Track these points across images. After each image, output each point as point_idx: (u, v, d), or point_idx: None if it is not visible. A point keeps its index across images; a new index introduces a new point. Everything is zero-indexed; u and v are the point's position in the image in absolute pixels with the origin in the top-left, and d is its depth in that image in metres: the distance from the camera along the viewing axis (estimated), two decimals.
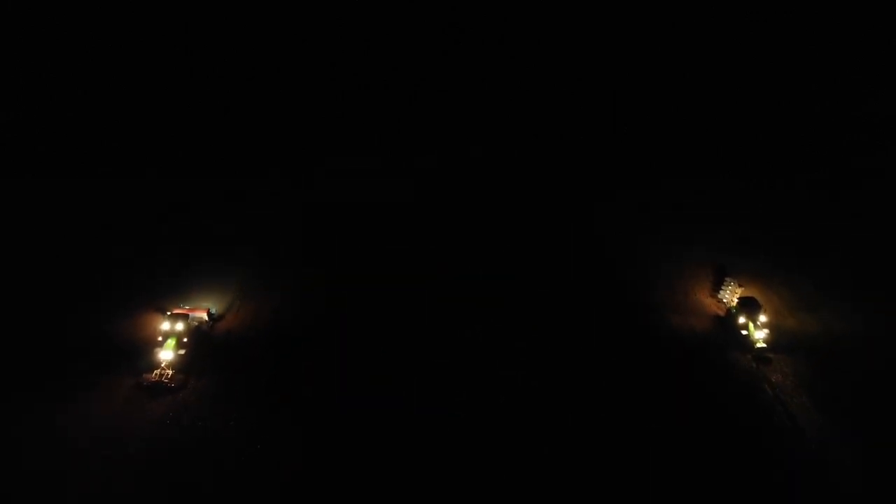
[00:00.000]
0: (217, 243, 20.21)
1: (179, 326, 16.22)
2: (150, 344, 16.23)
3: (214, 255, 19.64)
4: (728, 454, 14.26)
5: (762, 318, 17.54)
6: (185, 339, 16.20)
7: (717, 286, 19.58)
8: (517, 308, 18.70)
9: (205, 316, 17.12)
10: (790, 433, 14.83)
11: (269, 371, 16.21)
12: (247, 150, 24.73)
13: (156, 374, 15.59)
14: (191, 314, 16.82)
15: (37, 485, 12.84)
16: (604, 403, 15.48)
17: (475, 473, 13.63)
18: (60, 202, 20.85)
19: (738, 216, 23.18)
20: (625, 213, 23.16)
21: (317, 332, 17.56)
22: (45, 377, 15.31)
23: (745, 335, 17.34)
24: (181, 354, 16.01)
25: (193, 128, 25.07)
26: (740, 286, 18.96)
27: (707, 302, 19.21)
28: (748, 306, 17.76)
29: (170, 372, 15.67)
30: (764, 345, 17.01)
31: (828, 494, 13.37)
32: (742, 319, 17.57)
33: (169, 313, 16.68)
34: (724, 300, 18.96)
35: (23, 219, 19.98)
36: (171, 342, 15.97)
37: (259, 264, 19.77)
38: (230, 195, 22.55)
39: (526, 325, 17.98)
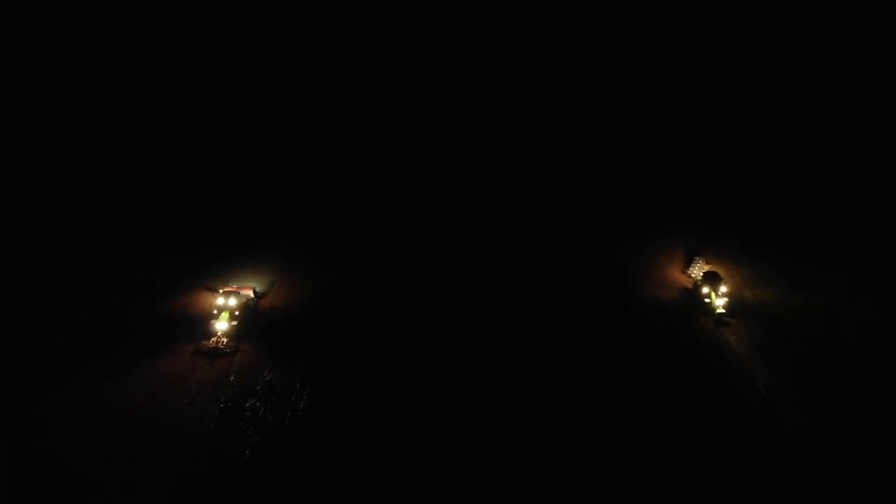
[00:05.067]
0: (258, 233, 23.26)
1: (232, 301, 19.20)
2: (206, 317, 19.23)
3: (256, 243, 22.71)
4: (689, 400, 17.47)
5: (723, 289, 20.67)
6: (237, 313, 19.16)
7: (687, 264, 22.71)
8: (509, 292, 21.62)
9: (251, 293, 20.12)
10: (742, 381, 18.09)
11: (304, 342, 19.22)
12: (275, 152, 27.57)
13: (213, 341, 18.63)
14: (240, 291, 19.79)
15: (113, 433, 15.63)
16: (586, 361, 18.64)
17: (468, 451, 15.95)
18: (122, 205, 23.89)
19: (713, 201, 26.02)
20: (607, 204, 26.14)
21: (343, 312, 20.50)
22: (121, 345, 18.25)
23: (708, 303, 20.53)
24: (234, 325, 19.00)
25: (231, 127, 27.85)
26: (707, 263, 22.14)
27: (678, 277, 22.36)
28: (711, 278, 20.92)
29: (225, 340, 18.70)
30: (723, 311, 20.24)
31: (769, 426, 16.67)
32: (705, 290, 20.73)
33: (222, 291, 19.65)
34: (693, 275, 22.11)
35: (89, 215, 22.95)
36: (224, 315, 18.97)
37: (293, 251, 22.76)
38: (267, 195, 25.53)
39: (518, 300, 21.07)
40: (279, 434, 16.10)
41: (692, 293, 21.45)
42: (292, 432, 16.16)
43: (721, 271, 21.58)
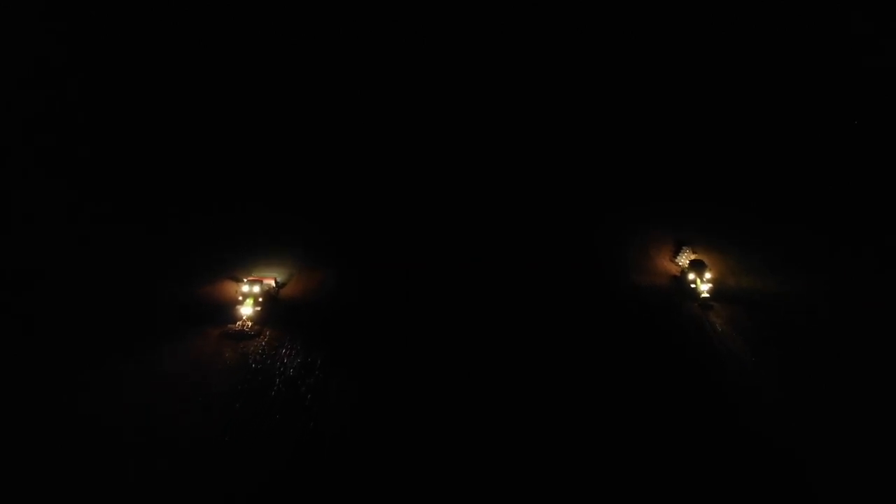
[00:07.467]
0: (276, 230, 24.86)
1: (256, 289, 20.95)
2: (231, 303, 20.96)
3: (274, 239, 24.35)
4: (675, 373, 19.19)
5: (707, 276, 22.36)
6: (261, 299, 20.94)
7: (675, 254, 24.38)
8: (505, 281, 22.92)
9: (273, 283, 21.88)
10: (723, 357, 19.82)
11: (323, 326, 20.91)
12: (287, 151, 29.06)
13: (238, 324, 20.40)
14: (262, 281, 21.53)
15: (149, 402, 17.52)
16: (581, 343, 20.24)
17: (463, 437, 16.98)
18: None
19: (701, 195, 27.42)
20: (599, 196, 27.67)
21: (357, 303, 21.95)
22: (153, 329, 19.99)
23: (694, 288, 22.23)
24: (257, 311, 20.77)
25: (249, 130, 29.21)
26: (694, 252, 23.80)
27: (666, 265, 24.03)
28: (697, 266, 22.64)
29: (250, 323, 20.48)
30: (707, 295, 21.96)
31: (748, 395, 18.46)
32: (691, 276, 22.44)
33: (246, 279, 21.42)
34: (680, 263, 23.77)
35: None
36: (249, 301, 20.76)
37: (310, 247, 24.31)
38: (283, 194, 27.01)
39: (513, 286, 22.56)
40: (297, 404, 18.00)
41: (679, 280, 23.14)
42: (311, 403, 18.00)
43: (706, 260, 23.28)
